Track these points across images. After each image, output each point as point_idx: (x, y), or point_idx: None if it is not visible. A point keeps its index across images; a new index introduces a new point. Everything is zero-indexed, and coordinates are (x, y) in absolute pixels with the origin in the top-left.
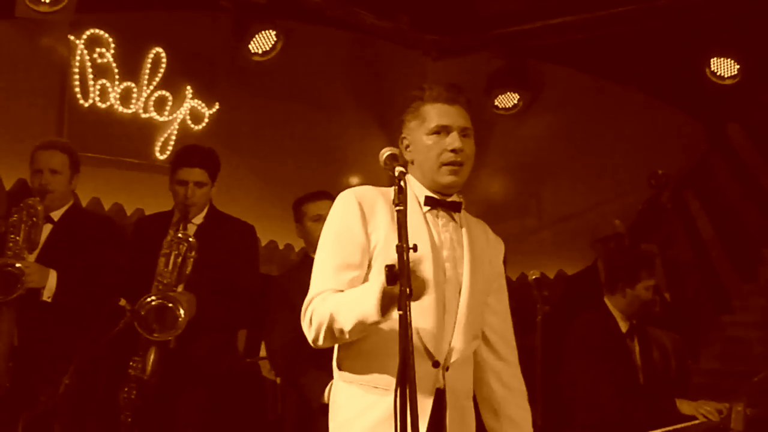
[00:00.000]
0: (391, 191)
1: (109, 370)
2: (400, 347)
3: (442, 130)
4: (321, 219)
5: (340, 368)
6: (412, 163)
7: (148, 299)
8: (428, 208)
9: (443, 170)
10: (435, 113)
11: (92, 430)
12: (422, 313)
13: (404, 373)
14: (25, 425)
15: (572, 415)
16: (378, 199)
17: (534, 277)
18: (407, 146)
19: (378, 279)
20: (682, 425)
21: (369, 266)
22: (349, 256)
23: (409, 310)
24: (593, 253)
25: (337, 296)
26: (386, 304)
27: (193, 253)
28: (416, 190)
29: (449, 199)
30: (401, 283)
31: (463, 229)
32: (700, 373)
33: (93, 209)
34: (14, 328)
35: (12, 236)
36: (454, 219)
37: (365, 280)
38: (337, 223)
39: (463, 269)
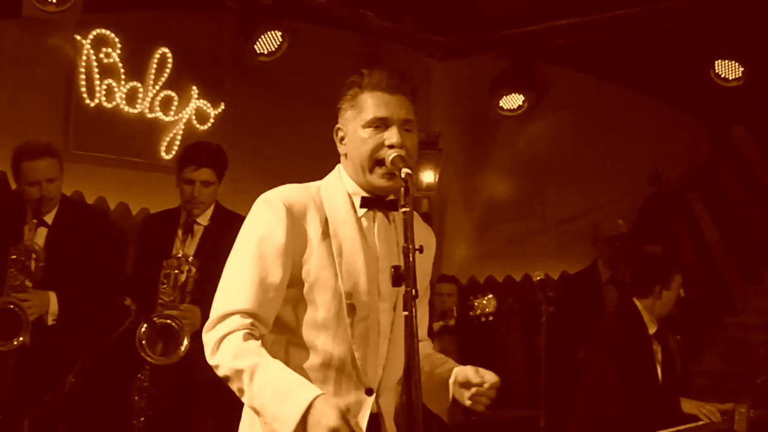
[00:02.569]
0: (318, 190)
1: (114, 369)
2: (405, 348)
3: (380, 123)
4: None
5: None
6: (346, 156)
7: (153, 320)
8: (363, 210)
9: (377, 171)
10: (373, 103)
11: (96, 429)
12: (359, 341)
13: (409, 375)
14: (30, 423)
15: (579, 410)
16: (308, 205)
17: (538, 278)
18: (342, 138)
19: (299, 406)
20: (686, 426)
21: (294, 283)
22: (271, 274)
23: (416, 312)
24: (595, 252)
25: (269, 366)
26: None
27: (194, 272)
28: (349, 188)
29: (387, 199)
30: (407, 284)
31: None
32: (703, 374)
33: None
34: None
35: (13, 271)
36: (387, 219)
37: (291, 295)
38: (264, 233)
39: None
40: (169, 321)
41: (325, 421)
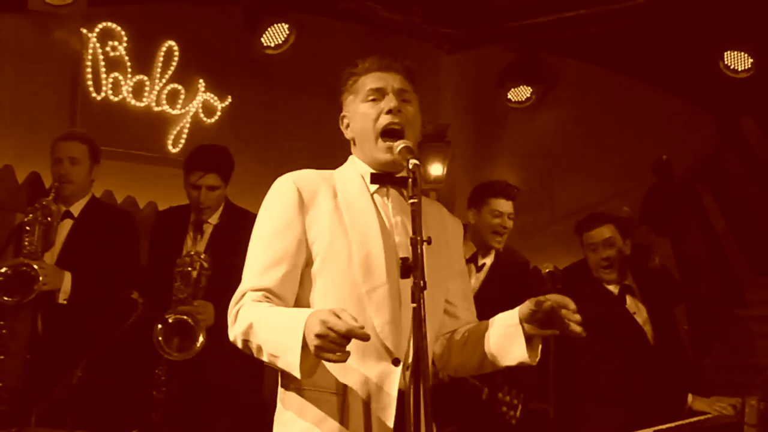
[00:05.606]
0: (333, 176)
1: (122, 363)
2: (413, 338)
3: (376, 96)
4: None
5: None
6: (354, 142)
7: (168, 318)
8: (376, 187)
9: (381, 145)
10: (369, 81)
11: (103, 423)
12: (377, 308)
13: (417, 364)
14: (38, 417)
15: (580, 386)
16: (320, 185)
17: (547, 270)
18: (347, 125)
19: (299, 332)
20: (696, 419)
21: (309, 261)
22: (283, 251)
23: (423, 304)
24: None
25: (268, 314)
26: (307, 367)
27: (206, 268)
28: (361, 170)
29: (398, 175)
30: (415, 276)
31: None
32: (713, 366)
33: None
34: (36, 322)
35: (27, 236)
36: (403, 196)
37: (305, 274)
38: (273, 212)
39: None
40: (183, 317)
41: (308, 331)
